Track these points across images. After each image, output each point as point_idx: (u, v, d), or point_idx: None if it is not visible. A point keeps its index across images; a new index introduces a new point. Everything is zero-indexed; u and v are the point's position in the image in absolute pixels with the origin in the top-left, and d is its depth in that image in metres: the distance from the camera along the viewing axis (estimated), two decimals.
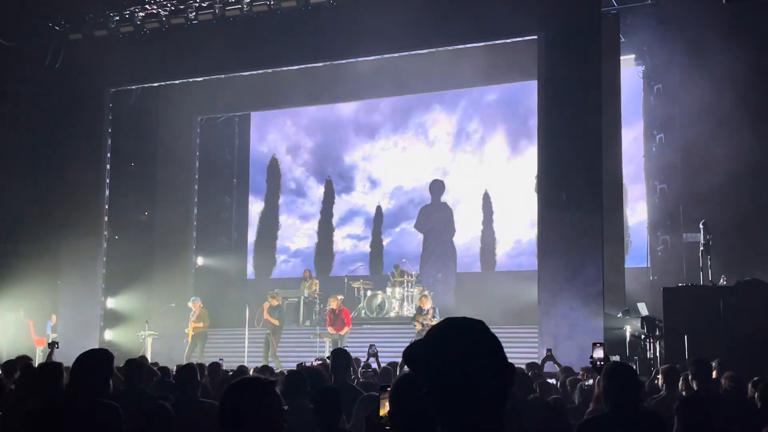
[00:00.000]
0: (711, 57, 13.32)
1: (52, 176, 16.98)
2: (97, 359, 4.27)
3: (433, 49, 15.36)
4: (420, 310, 14.79)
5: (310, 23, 15.17)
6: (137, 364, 6.14)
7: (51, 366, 5.39)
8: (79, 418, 3.97)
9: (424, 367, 1.79)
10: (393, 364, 8.58)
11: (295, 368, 8.05)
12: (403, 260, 18.01)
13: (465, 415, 1.74)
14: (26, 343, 15.32)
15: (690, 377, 6.28)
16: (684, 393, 6.19)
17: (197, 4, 15.77)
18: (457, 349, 1.76)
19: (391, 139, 19.76)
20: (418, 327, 14.38)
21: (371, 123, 20.03)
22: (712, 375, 6.53)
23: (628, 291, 14.19)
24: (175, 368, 9.51)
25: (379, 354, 8.94)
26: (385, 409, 2.99)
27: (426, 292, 15.46)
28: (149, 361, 10.15)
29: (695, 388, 6.13)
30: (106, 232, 16.77)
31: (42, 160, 17.36)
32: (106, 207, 16.76)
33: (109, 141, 16.95)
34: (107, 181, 16.84)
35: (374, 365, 8.91)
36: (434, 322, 14.34)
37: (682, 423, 4.42)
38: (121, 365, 6.49)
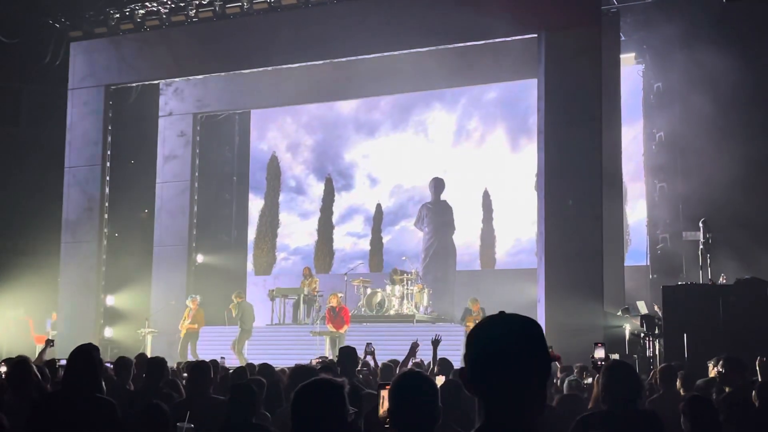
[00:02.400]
0: (711, 55, 13.31)
1: (51, 173, 16.98)
2: (90, 354, 4.30)
3: (434, 48, 15.35)
4: (469, 312, 14.94)
5: (310, 21, 15.19)
6: (125, 362, 6.42)
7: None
8: (77, 413, 3.99)
9: (467, 363, 1.84)
10: (394, 362, 8.58)
11: (293, 366, 8.03)
12: (403, 258, 17.98)
13: (501, 408, 1.79)
14: (26, 341, 15.33)
15: (721, 374, 6.16)
16: (682, 392, 6.18)
17: (198, 2, 15.79)
18: (493, 344, 1.80)
19: (391, 136, 19.76)
20: (468, 328, 14.72)
21: (371, 121, 20.03)
22: (744, 375, 6.30)
23: (628, 289, 14.20)
24: (175, 365, 9.54)
25: (376, 352, 8.95)
26: (384, 407, 3.00)
27: (474, 297, 15.44)
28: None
29: (726, 389, 5.95)
30: (106, 230, 16.78)
31: (42, 157, 17.36)
32: (106, 204, 16.76)
33: (109, 138, 16.94)
34: (107, 178, 16.84)
35: (371, 363, 8.91)
36: None
37: (690, 421, 4.39)
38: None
